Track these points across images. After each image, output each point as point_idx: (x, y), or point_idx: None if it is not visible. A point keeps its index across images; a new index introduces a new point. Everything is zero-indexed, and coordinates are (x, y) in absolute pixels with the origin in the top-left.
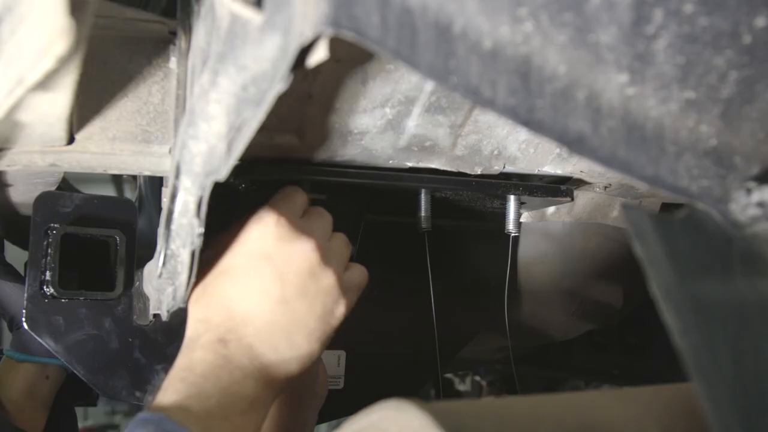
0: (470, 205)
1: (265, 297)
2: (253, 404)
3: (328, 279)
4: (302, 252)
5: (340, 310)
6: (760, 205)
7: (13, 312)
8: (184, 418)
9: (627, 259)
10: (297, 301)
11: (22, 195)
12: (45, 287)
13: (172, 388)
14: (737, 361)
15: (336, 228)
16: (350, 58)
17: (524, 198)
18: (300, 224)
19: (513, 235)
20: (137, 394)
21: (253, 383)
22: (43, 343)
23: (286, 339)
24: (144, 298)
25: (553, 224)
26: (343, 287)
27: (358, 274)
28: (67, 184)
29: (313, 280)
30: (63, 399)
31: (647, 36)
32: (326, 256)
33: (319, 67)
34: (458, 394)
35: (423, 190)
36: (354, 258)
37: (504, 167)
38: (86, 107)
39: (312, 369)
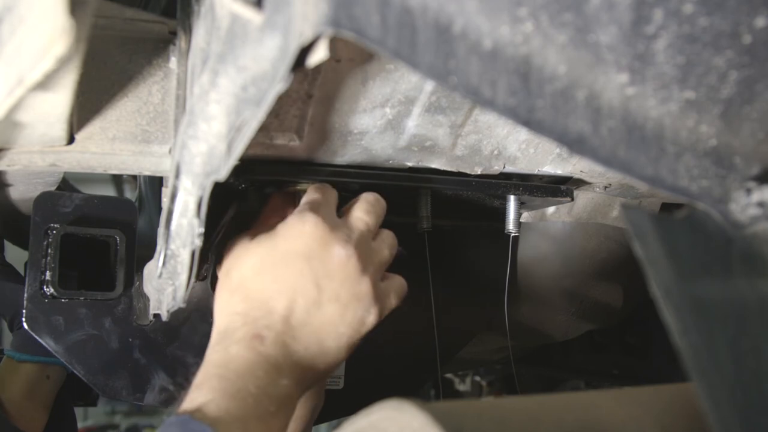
0: (470, 205)
1: (302, 297)
2: (285, 403)
3: (361, 287)
4: (339, 257)
5: (371, 319)
6: (760, 205)
7: (13, 312)
8: (221, 418)
9: (627, 259)
10: (330, 305)
11: (22, 195)
12: (45, 287)
13: (208, 386)
14: (737, 361)
15: None
16: (350, 58)
17: (524, 198)
18: (341, 226)
19: (513, 235)
20: (137, 394)
21: (286, 382)
22: (43, 343)
23: (316, 340)
24: (144, 298)
25: (553, 224)
26: (378, 295)
27: (396, 285)
28: (67, 184)
29: (347, 287)
30: (63, 399)
31: (647, 36)
32: (364, 262)
33: (319, 67)
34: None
35: (423, 190)
36: (402, 255)
37: (504, 167)
38: (86, 107)
39: None
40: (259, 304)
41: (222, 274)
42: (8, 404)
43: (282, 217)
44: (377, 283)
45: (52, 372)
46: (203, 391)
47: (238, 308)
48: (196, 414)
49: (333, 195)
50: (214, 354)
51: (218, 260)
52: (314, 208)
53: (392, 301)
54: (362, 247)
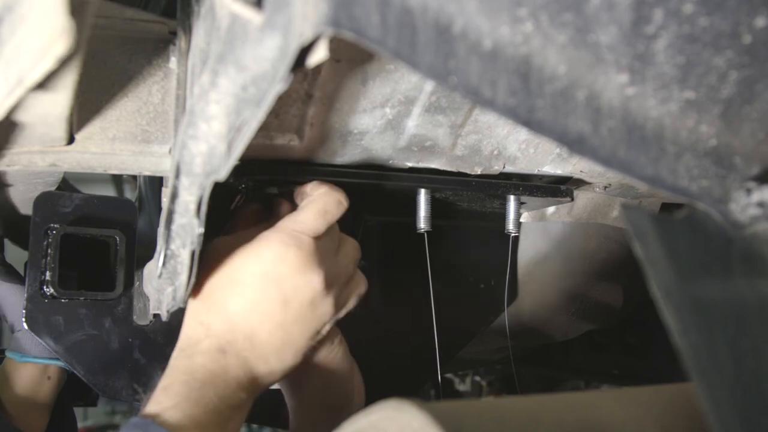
0: (470, 205)
1: (267, 318)
2: (241, 411)
3: (325, 307)
4: (310, 283)
5: (327, 328)
6: (760, 205)
7: (13, 314)
8: (182, 423)
9: (627, 259)
10: (294, 326)
11: (22, 195)
12: (45, 287)
13: (173, 391)
14: (737, 361)
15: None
16: (350, 58)
17: (524, 198)
18: (315, 249)
19: (513, 235)
20: (137, 394)
21: (242, 393)
22: (43, 343)
23: (276, 355)
24: (144, 298)
25: (553, 224)
26: (338, 306)
27: (355, 290)
28: (67, 184)
29: (312, 308)
30: (63, 399)
31: (647, 36)
32: (330, 282)
33: (319, 67)
34: (458, 394)
35: (423, 190)
36: (365, 267)
37: (504, 167)
38: (86, 107)
39: (341, 379)
40: (224, 321)
41: (199, 283)
42: (9, 405)
43: (257, 223)
44: (338, 295)
45: (53, 373)
46: (168, 395)
47: (205, 319)
48: (158, 418)
49: (331, 212)
50: (179, 359)
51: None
52: (300, 232)
53: (350, 305)
54: (329, 267)
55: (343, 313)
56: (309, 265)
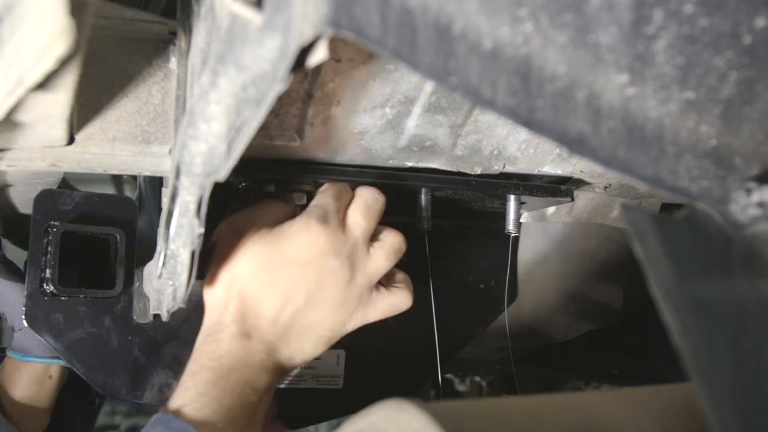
0: (470, 205)
1: (291, 303)
2: (266, 393)
3: (347, 295)
4: (332, 267)
5: (352, 324)
6: (760, 205)
7: (14, 313)
8: (208, 414)
9: (627, 259)
10: (316, 311)
11: (22, 195)
12: (45, 285)
13: (202, 377)
14: (737, 361)
15: None
16: (350, 58)
17: (524, 198)
18: (339, 235)
19: (513, 235)
20: (136, 392)
21: (267, 377)
22: (43, 341)
23: (298, 341)
24: (144, 298)
25: (553, 224)
26: (364, 304)
27: (388, 301)
28: (66, 184)
29: (334, 295)
30: (64, 398)
31: (647, 36)
32: (353, 271)
33: (319, 67)
34: (458, 395)
35: (423, 190)
36: (406, 262)
37: (504, 167)
38: (86, 107)
39: None
40: (251, 305)
41: (219, 265)
42: (10, 405)
43: (277, 220)
44: (365, 291)
45: (55, 372)
46: (196, 381)
47: (231, 305)
48: (182, 411)
49: (346, 198)
50: (205, 345)
51: (214, 250)
52: (322, 216)
53: (376, 313)
54: (355, 256)
55: (369, 318)
56: (330, 249)
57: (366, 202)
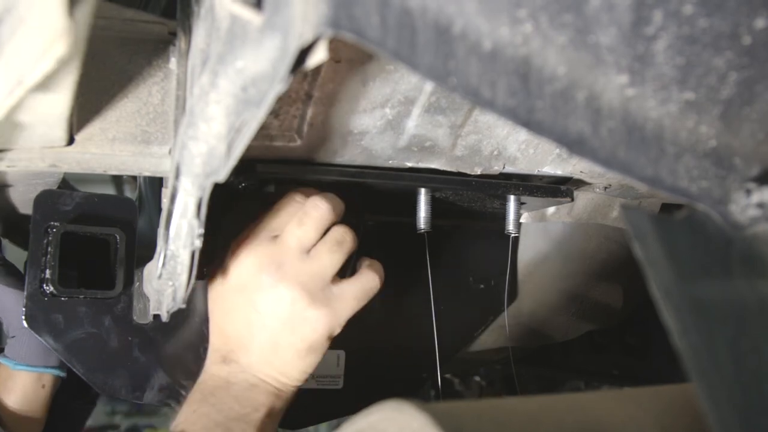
0: (470, 206)
1: (247, 326)
2: (262, 411)
3: (299, 301)
4: (268, 285)
5: (326, 323)
6: (760, 206)
7: (10, 318)
8: (199, 424)
9: (627, 259)
10: (274, 327)
11: (22, 195)
12: (45, 285)
13: (193, 398)
14: (737, 362)
15: None
16: (350, 59)
17: (524, 198)
18: (267, 250)
19: (513, 235)
20: (136, 392)
21: (263, 396)
22: (43, 342)
23: (278, 358)
24: (144, 299)
25: (553, 224)
26: (323, 302)
27: (354, 289)
28: (66, 184)
29: (283, 308)
30: (61, 400)
31: (647, 37)
32: (296, 277)
33: (319, 68)
34: (458, 395)
35: (423, 190)
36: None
37: (504, 167)
38: (86, 108)
39: None
40: (221, 336)
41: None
42: (4, 412)
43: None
44: (318, 292)
45: (48, 381)
46: (189, 402)
47: (212, 341)
48: (179, 427)
49: (293, 210)
50: (200, 375)
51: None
52: (254, 236)
53: (347, 304)
54: (290, 264)
55: (342, 311)
56: (265, 269)
57: (304, 211)
